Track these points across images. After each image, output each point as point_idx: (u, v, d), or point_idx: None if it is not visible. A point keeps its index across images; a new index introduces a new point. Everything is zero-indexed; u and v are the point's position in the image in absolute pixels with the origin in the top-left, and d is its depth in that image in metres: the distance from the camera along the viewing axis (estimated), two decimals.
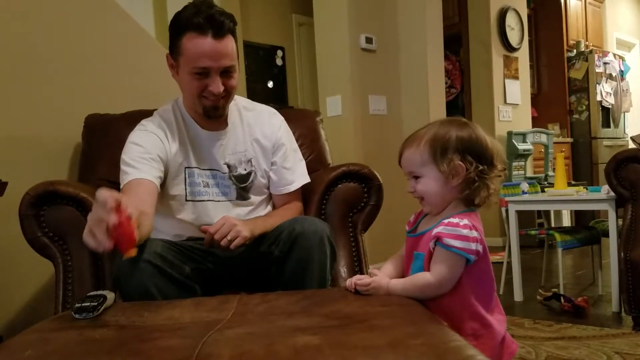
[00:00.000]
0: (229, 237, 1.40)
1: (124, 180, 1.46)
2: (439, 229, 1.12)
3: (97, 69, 2.31)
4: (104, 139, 1.98)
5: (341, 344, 0.85)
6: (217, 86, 1.49)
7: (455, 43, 5.31)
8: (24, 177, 1.72)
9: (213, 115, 1.57)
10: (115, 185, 1.85)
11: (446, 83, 5.29)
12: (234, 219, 1.46)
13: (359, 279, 1.19)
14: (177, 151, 1.57)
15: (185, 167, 1.59)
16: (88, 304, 1.10)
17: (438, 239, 1.12)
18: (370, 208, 1.78)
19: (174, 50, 1.52)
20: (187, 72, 1.49)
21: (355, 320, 0.99)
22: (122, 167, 1.49)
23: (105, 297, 1.15)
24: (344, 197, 1.77)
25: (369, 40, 3.70)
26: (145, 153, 1.49)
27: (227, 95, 1.54)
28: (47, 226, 1.51)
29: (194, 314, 1.10)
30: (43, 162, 2.10)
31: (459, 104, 5.45)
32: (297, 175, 1.72)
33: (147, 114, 2.06)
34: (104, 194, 1.03)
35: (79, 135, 2.04)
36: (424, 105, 3.86)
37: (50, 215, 1.51)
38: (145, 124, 1.60)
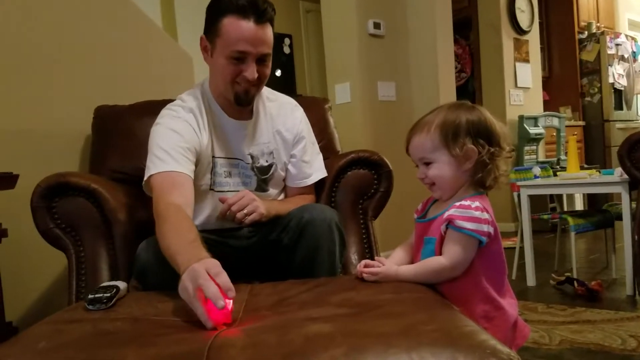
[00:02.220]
0: (245, 211, 1.41)
1: (158, 167, 1.41)
2: (450, 212, 1.12)
3: (105, 60, 2.31)
4: (113, 130, 1.98)
5: (353, 331, 0.85)
6: (252, 72, 1.45)
7: (465, 27, 5.25)
8: (35, 169, 1.72)
9: (244, 101, 1.52)
10: (126, 176, 1.86)
11: (456, 67, 5.24)
12: (252, 194, 1.47)
13: (367, 265, 1.19)
14: (207, 141, 1.53)
15: (212, 157, 1.56)
16: (101, 295, 1.11)
17: (450, 222, 1.11)
18: (380, 195, 1.77)
19: (212, 32, 1.46)
20: (224, 56, 1.44)
21: (367, 308, 0.99)
22: (157, 152, 1.43)
23: (118, 288, 1.16)
24: (354, 184, 1.76)
25: (377, 26, 3.66)
26: (183, 142, 1.44)
27: (259, 83, 1.51)
28: (59, 217, 1.51)
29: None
30: (54, 154, 2.11)
31: (469, 89, 5.40)
32: (315, 169, 1.71)
33: (156, 104, 2.06)
34: (228, 283, 1.00)
35: (89, 127, 2.04)
36: (434, 90, 3.82)
37: (62, 206, 1.52)
38: (176, 109, 1.54)
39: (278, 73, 5.65)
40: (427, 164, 1.19)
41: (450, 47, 3.99)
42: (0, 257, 1.75)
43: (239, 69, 1.45)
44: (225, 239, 1.53)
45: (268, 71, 1.51)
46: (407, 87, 3.91)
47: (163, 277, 1.27)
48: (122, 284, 1.20)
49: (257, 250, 1.53)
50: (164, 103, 2.06)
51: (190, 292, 1.00)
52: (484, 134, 1.15)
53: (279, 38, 5.65)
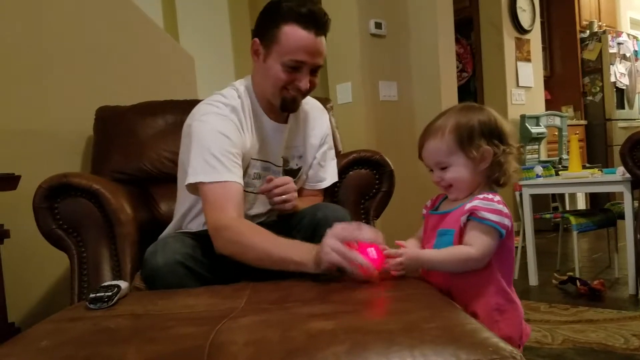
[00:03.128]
0: (285, 197, 1.45)
1: (210, 176, 1.37)
2: (474, 203, 1.12)
3: (106, 61, 2.31)
4: (115, 131, 1.99)
5: (355, 328, 0.85)
6: (306, 83, 1.46)
7: (466, 26, 5.25)
8: (37, 170, 1.73)
9: (290, 108, 1.52)
10: (128, 176, 1.87)
11: (457, 67, 5.24)
12: (294, 184, 1.51)
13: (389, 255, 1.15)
14: (249, 144, 1.51)
15: (250, 158, 1.54)
16: (102, 294, 1.11)
17: (472, 213, 1.11)
18: (382, 194, 1.78)
19: (268, 37, 1.44)
20: (279, 62, 1.43)
21: (370, 305, 0.98)
22: (207, 158, 1.38)
23: (119, 287, 1.16)
24: (356, 183, 1.76)
25: (378, 26, 3.66)
26: (232, 147, 1.41)
27: (307, 92, 1.51)
28: (61, 218, 1.51)
29: (208, 302, 1.10)
30: (56, 155, 2.11)
31: (470, 88, 5.40)
32: (329, 174, 1.71)
33: (157, 105, 2.07)
34: (376, 231, 1.15)
35: (90, 127, 2.05)
36: (435, 90, 3.82)
37: (64, 207, 1.51)
38: (219, 106, 1.48)
39: None
40: (444, 168, 1.19)
41: (451, 47, 3.99)
42: (2, 258, 1.75)
43: (292, 77, 1.45)
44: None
45: (317, 81, 1.52)
46: (408, 87, 3.90)
47: (171, 282, 1.27)
48: (123, 284, 1.20)
49: None
50: (165, 104, 2.07)
51: (341, 248, 1.10)
52: (496, 134, 1.16)
53: None
